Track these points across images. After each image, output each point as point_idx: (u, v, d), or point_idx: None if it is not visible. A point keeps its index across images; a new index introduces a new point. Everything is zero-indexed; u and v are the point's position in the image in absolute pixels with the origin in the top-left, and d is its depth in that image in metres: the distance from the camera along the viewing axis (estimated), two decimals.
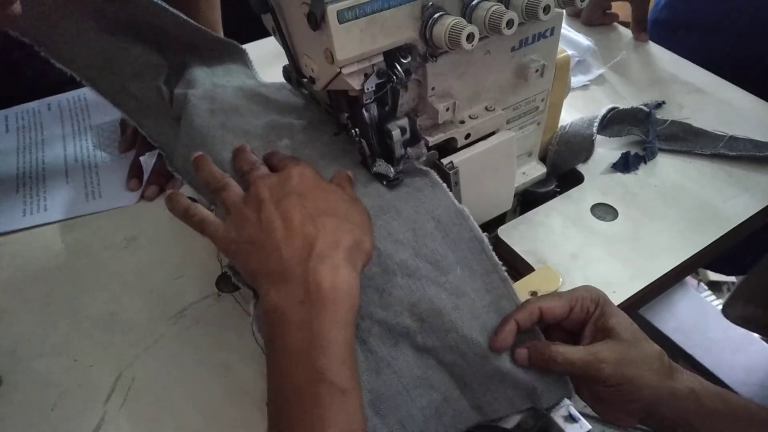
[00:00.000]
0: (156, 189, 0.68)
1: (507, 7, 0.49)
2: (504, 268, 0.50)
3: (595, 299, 0.48)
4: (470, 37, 0.46)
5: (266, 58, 0.75)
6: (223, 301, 0.57)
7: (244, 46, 0.72)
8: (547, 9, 0.49)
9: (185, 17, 0.63)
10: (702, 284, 1.65)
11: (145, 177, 0.68)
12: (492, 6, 0.47)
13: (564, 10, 0.94)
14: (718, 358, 1.34)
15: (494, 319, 0.48)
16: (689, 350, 1.35)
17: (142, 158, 0.67)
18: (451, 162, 0.54)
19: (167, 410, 0.50)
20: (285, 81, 0.60)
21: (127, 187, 0.68)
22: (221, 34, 0.80)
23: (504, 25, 0.47)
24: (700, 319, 1.48)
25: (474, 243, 0.50)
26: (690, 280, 1.60)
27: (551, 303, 0.48)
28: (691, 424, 0.45)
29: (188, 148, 0.58)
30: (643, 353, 0.46)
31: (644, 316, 1.45)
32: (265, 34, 0.80)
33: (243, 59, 0.72)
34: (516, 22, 0.47)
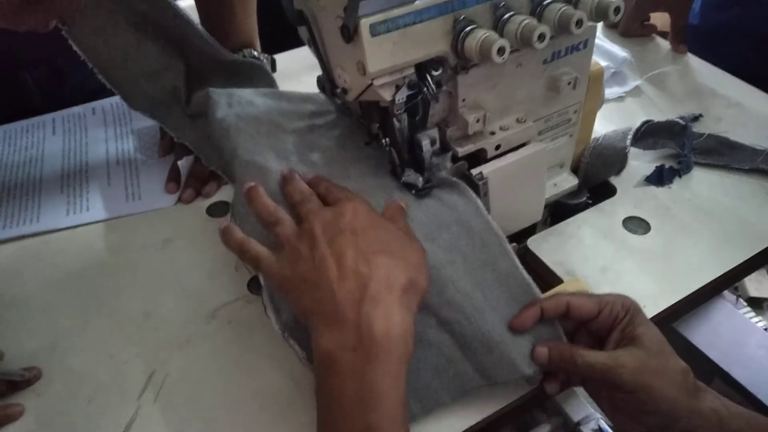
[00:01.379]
0: (193, 192, 0.70)
1: (540, 21, 0.50)
2: (532, 278, 0.51)
3: (627, 307, 0.48)
4: (501, 51, 0.46)
5: (301, 68, 0.77)
6: (254, 303, 0.59)
7: (278, 56, 0.73)
8: (579, 23, 0.50)
9: (209, 39, 0.65)
10: (741, 300, 1.61)
11: (183, 180, 0.70)
12: (524, 20, 0.48)
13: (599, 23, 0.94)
14: (756, 376, 1.30)
15: (490, 278, 0.49)
16: (725, 367, 1.32)
17: (180, 162, 0.69)
18: (481, 173, 0.54)
19: (197, 407, 0.52)
20: (319, 90, 0.62)
21: (165, 190, 0.70)
22: (257, 42, 0.82)
23: (536, 38, 0.47)
24: (737, 336, 1.44)
25: (470, 204, 0.52)
26: (728, 295, 1.56)
27: (581, 300, 0.48)
28: None
29: (221, 149, 0.60)
30: (666, 365, 0.45)
31: (678, 330, 1.42)
32: (299, 43, 0.82)
33: (267, 80, 0.73)
34: (548, 36, 0.48)
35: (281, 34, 0.81)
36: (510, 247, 0.52)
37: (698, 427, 0.44)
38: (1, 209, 0.68)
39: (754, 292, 1.63)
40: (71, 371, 0.54)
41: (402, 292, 0.42)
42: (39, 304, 0.60)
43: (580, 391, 1.34)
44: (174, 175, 0.71)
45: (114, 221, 0.67)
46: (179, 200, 0.70)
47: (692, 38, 0.99)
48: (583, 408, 1.37)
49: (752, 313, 1.62)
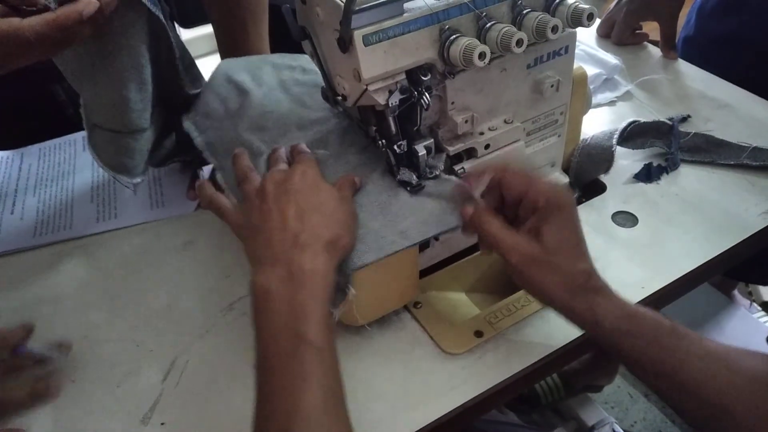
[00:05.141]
0: None
1: (519, 29, 0.55)
2: None
3: (548, 200, 0.51)
4: (482, 56, 0.51)
5: None
6: None
7: None
8: (555, 29, 0.54)
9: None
10: (755, 305, 1.62)
11: None
12: (504, 27, 0.53)
13: (595, 31, 0.99)
14: None
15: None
16: None
17: (199, 171, 0.75)
18: (463, 168, 0.59)
19: (216, 390, 0.56)
20: (323, 99, 0.67)
21: (186, 197, 0.76)
22: None
23: (514, 44, 0.52)
24: (751, 339, 1.45)
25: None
26: (742, 299, 1.57)
27: (513, 177, 0.53)
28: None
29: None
30: (558, 266, 0.50)
31: None
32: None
33: None
34: (525, 42, 0.53)
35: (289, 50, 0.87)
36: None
37: (576, 324, 0.52)
38: (38, 218, 0.75)
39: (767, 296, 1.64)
40: (102, 359, 0.60)
41: (327, 243, 0.50)
42: (72, 300, 0.65)
43: (594, 396, 1.37)
44: (194, 184, 0.76)
45: (140, 226, 0.73)
46: (198, 206, 0.75)
47: (688, 49, 1.03)
48: (597, 413, 1.39)
49: (766, 317, 1.62)
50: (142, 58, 0.62)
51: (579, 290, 0.51)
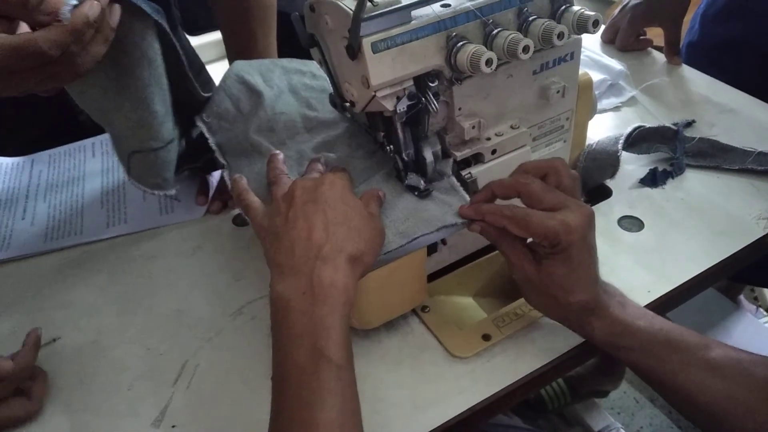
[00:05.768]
0: (220, 204, 0.76)
1: (525, 35, 0.55)
2: None
3: (553, 241, 0.50)
4: (489, 62, 0.52)
5: None
6: None
7: None
8: (561, 35, 0.55)
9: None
10: (761, 310, 1.62)
11: (211, 194, 0.76)
12: (510, 34, 0.53)
13: (599, 37, 1.00)
14: None
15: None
16: None
17: (209, 177, 0.76)
18: (470, 173, 0.59)
19: (226, 393, 0.57)
20: (331, 106, 0.68)
21: (195, 203, 0.76)
22: None
23: (520, 50, 0.53)
24: (758, 344, 1.45)
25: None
26: (748, 305, 1.57)
27: (516, 223, 0.51)
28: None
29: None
30: (553, 295, 0.53)
31: None
32: None
33: None
34: (531, 48, 0.53)
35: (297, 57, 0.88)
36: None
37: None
38: (49, 223, 0.76)
39: None
40: (113, 362, 0.60)
41: (349, 258, 0.49)
42: (82, 305, 0.66)
43: (600, 402, 1.37)
44: (203, 189, 0.77)
45: (149, 231, 0.74)
46: (208, 212, 0.76)
47: (692, 54, 1.03)
48: (604, 418, 1.39)
49: None
50: (160, 68, 0.63)
51: (570, 315, 0.53)
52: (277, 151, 0.61)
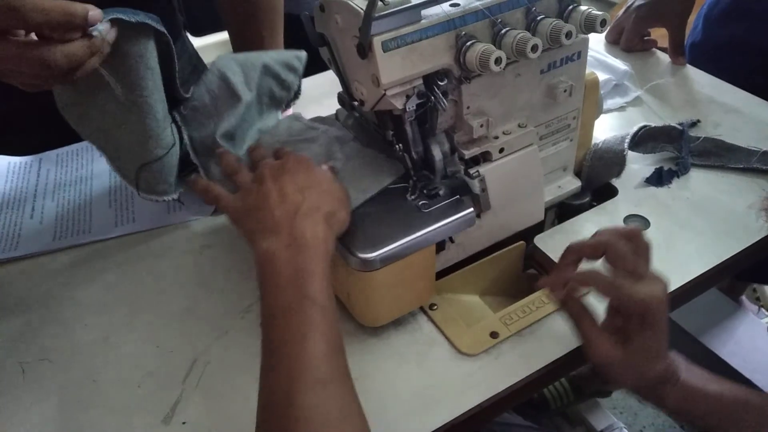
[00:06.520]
0: None
1: (534, 34, 0.56)
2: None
3: (644, 312, 0.52)
4: (498, 61, 0.52)
5: (321, 92, 0.85)
6: None
7: (304, 80, 0.80)
8: (569, 35, 0.56)
9: None
10: (763, 310, 1.62)
11: None
12: (519, 33, 0.54)
13: (603, 37, 1.01)
14: None
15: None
16: (747, 374, 1.33)
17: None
18: (478, 171, 0.60)
19: (235, 390, 0.57)
20: (339, 106, 0.68)
21: (203, 201, 0.76)
22: None
23: (529, 49, 0.53)
24: (759, 344, 1.45)
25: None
26: (750, 305, 1.57)
27: (605, 289, 0.53)
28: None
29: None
30: (635, 367, 0.54)
31: (701, 342, 1.44)
32: (319, 70, 0.90)
33: None
34: (540, 47, 0.54)
35: (309, 61, 0.89)
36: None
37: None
38: (57, 222, 0.76)
39: None
40: (122, 360, 0.61)
41: (326, 215, 0.53)
42: (92, 302, 0.66)
43: (603, 401, 1.37)
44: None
45: (157, 230, 0.74)
46: (215, 211, 0.76)
47: (696, 55, 1.04)
48: (606, 418, 1.39)
49: None
50: (159, 77, 0.63)
51: (650, 385, 0.54)
52: (222, 149, 0.64)
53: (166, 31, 0.61)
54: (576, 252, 0.56)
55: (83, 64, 0.52)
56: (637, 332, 0.52)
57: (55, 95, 0.62)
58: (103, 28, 0.52)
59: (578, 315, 0.55)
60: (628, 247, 0.53)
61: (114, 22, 0.54)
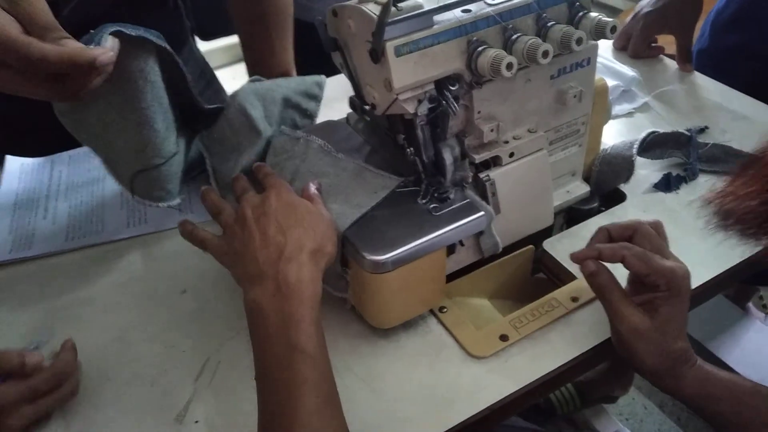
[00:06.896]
0: None
1: (544, 40, 0.56)
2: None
3: (671, 283, 0.54)
4: (510, 66, 0.53)
5: (334, 94, 0.85)
6: None
7: None
8: (579, 41, 0.56)
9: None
10: None
11: None
12: (530, 39, 0.55)
13: (611, 44, 1.01)
14: None
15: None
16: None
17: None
18: (488, 175, 0.61)
19: (247, 388, 0.58)
20: (351, 109, 0.69)
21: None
22: (294, 72, 0.91)
23: (540, 55, 0.54)
24: (766, 351, 1.45)
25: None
26: (756, 312, 1.57)
27: (634, 260, 0.55)
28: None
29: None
30: (661, 341, 0.54)
31: (708, 348, 1.44)
32: (332, 73, 0.90)
33: None
34: (551, 53, 0.54)
35: (316, 68, 0.90)
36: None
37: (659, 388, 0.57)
38: (70, 223, 0.77)
39: None
40: (136, 359, 0.61)
41: (311, 254, 0.53)
42: (105, 302, 0.67)
43: (609, 407, 1.37)
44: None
45: (169, 231, 0.75)
46: None
47: (703, 61, 1.04)
48: (612, 424, 1.39)
49: None
50: (160, 88, 0.65)
51: (671, 363, 0.55)
52: (205, 187, 0.64)
53: (168, 46, 0.62)
54: (607, 231, 0.60)
55: (87, 85, 0.53)
56: (664, 302, 0.54)
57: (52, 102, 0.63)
58: (109, 45, 0.53)
59: (608, 286, 0.56)
60: (653, 230, 0.58)
61: (116, 34, 0.55)
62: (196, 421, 0.56)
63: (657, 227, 0.59)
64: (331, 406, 0.48)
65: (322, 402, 0.47)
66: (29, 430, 0.54)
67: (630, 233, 0.59)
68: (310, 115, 0.77)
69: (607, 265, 0.57)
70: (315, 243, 0.53)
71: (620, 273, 0.57)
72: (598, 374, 1.24)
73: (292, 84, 0.76)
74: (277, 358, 0.48)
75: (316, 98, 0.78)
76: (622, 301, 0.55)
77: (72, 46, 0.50)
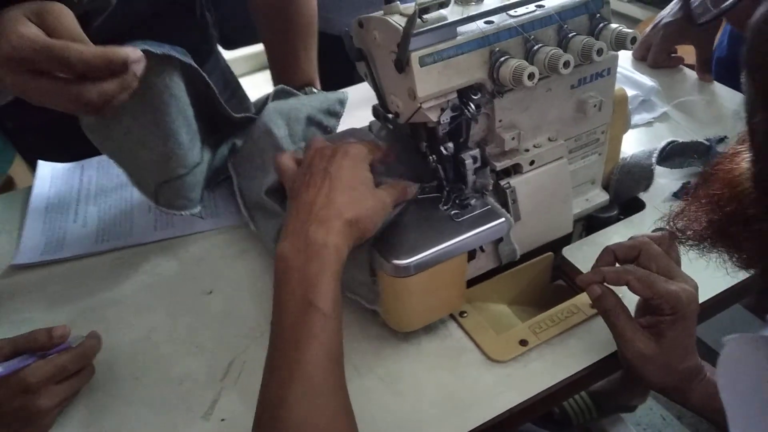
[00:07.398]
0: None
1: (565, 51, 0.58)
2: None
3: (676, 307, 0.54)
4: (531, 76, 0.54)
5: (358, 102, 0.87)
6: None
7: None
8: (600, 51, 0.57)
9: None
10: None
11: None
12: (551, 50, 0.56)
13: (631, 54, 1.02)
14: None
15: None
16: None
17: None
18: (508, 182, 0.62)
19: None
20: (372, 117, 0.70)
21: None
22: (317, 81, 0.93)
23: (561, 65, 0.55)
24: None
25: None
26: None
27: (638, 284, 0.55)
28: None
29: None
30: (667, 363, 0.55)
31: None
32: (355, 82, 0.92)
33: None
34: (572, 63, 0.56)
35: (339, 76, 0.92)
36: None
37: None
38: (99, 226, 0.79)
39: None
40: (164, 359, 0.63)
41: (346, 222, 0.53)
42: (134, 303, 0.69)
43: (627, 417, 1.36)
44: None
45: (196, 235, 0.77)
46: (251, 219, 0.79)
47: (721, 71, 1.05)
48: None
49: None
50: (184, 102, 0.67)
51: (678, 383, 0.56)
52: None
53: (193, 63, 0.64)
54: (613, 252, 0.59)
55: (114, 99, 0.55)
56: (669, 327, 0.54)
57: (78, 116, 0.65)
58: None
59: (615, 310, 0.56)
60: (661, 250, 0.57)
61: (144, 53, 0.57)
62: (223, 419, 0.57)
63: (664, 242, 0.58)
64: (334, 365, 0.49)
65: (328, 360, 0.48)
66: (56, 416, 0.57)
67: (636, 253, 0.58)
68: (330, 131, 0.80)
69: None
70: (353, 215, 0.54)
71: (630, 294, 0.58)
72: (613, 384, 1.24)
73: (316, 103, 0.79)
74: (293, 311, 0.49)
75: (337, 115, 0.81)
76: (628, 325, 0.56)
77: (105, 47, 0.52)
